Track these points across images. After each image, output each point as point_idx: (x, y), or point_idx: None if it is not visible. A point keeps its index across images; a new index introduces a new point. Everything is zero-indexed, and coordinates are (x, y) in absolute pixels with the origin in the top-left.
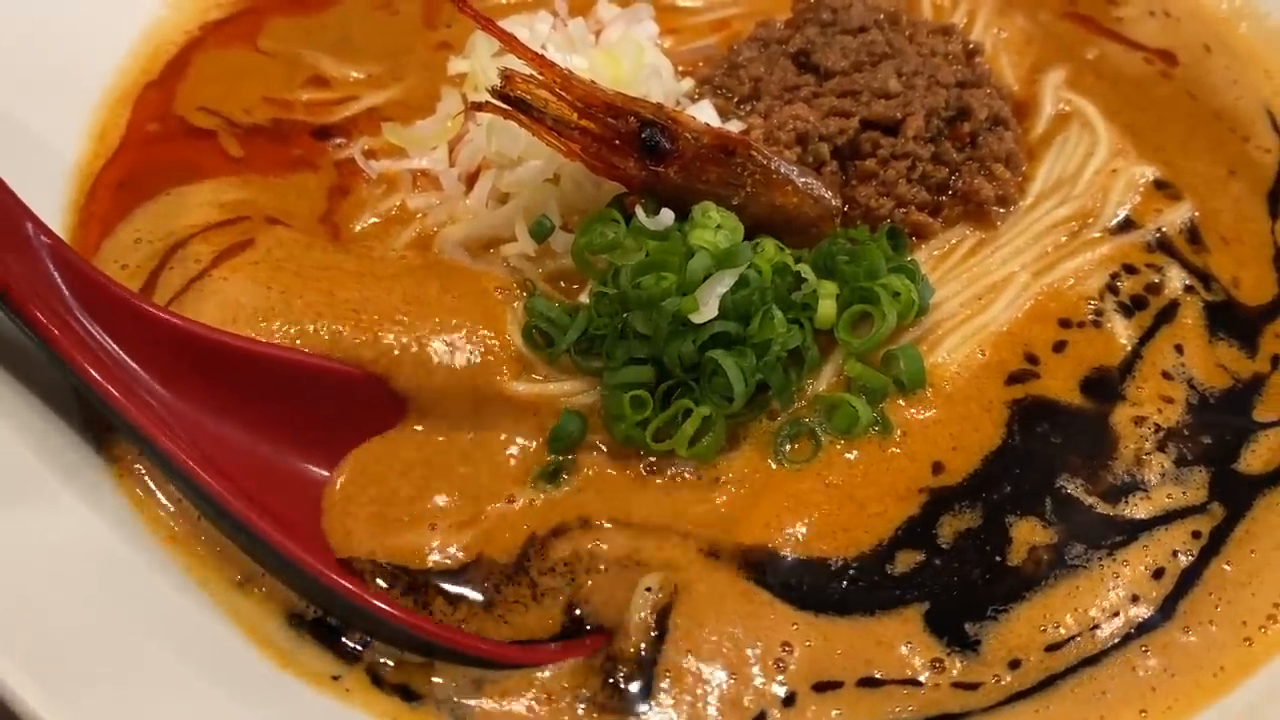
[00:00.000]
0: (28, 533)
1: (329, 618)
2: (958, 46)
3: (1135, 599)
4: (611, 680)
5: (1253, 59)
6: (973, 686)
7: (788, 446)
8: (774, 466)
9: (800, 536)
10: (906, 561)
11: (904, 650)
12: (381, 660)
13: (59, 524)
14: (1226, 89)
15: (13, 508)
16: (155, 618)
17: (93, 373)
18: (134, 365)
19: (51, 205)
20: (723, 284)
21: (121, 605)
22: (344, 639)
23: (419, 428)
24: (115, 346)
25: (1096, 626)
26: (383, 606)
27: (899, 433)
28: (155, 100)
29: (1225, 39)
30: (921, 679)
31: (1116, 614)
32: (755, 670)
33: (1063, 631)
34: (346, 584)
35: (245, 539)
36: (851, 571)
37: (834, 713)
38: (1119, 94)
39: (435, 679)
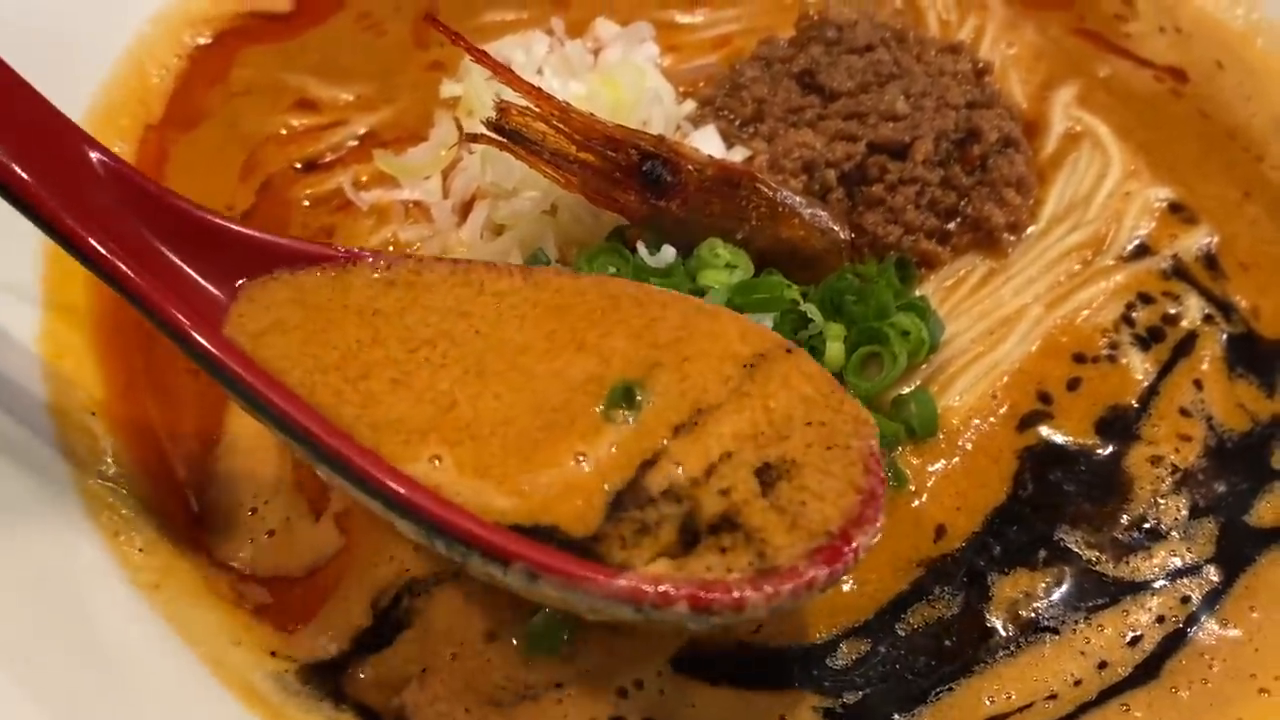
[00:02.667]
0: (3, 585)
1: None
2: (967, 65)
3: (1103, 665)
4: None
5: (1269, 74)
6: None
7: None
8: None
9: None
10: (848, 653)
11: None
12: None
13: (35, 575)
14: (1239, 106)
15: None
16: (137, 673)
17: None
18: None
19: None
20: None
21: (102, 660)
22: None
23: None
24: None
25: (1053, 696)
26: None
27: (911, 487)
28: None
29: (1239, 54)
30: None
31: (1079, 682)
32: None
33: (1014, 700)
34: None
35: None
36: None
37: None
38: (1131, 112)
39: None
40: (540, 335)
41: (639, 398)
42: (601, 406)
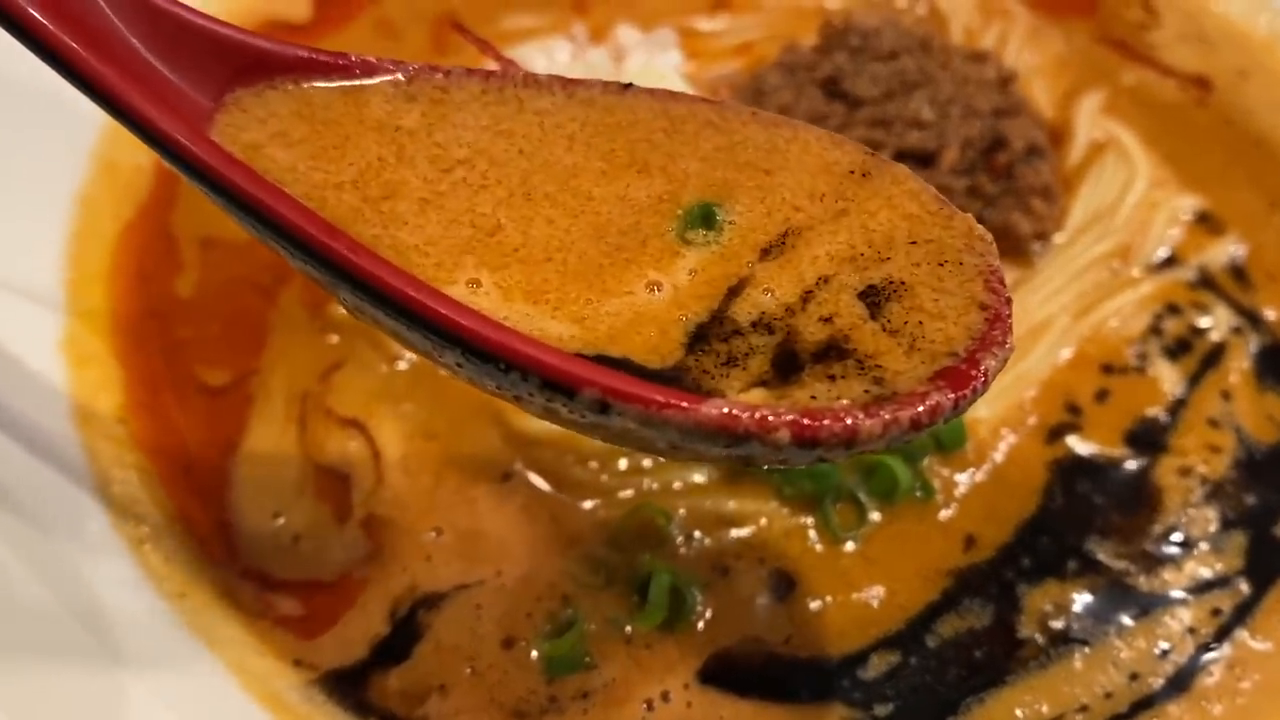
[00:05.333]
0: (27, 588)
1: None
2: (992, 73)
3: (1134, 677)
4: None
5: None
6: None
7: (833, 514)
8: (818, 540)
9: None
10: (879, 665)
11: None
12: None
13: (60, 584)
14: (1264, 115)
15: (10, 562)
16: (163, 682)
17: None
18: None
19: None
20: None
21: (126, 666)
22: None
23: None
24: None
25: (1084, 708)
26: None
27: (940, 498)
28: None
29: (1264, 62)
30: None
31: (1110, 694)
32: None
33: (1045, 712)
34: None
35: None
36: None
37: None
38: (1156, 121)
39: None
40: (595, 156)
41: (719, 218)
42: (675, 228)
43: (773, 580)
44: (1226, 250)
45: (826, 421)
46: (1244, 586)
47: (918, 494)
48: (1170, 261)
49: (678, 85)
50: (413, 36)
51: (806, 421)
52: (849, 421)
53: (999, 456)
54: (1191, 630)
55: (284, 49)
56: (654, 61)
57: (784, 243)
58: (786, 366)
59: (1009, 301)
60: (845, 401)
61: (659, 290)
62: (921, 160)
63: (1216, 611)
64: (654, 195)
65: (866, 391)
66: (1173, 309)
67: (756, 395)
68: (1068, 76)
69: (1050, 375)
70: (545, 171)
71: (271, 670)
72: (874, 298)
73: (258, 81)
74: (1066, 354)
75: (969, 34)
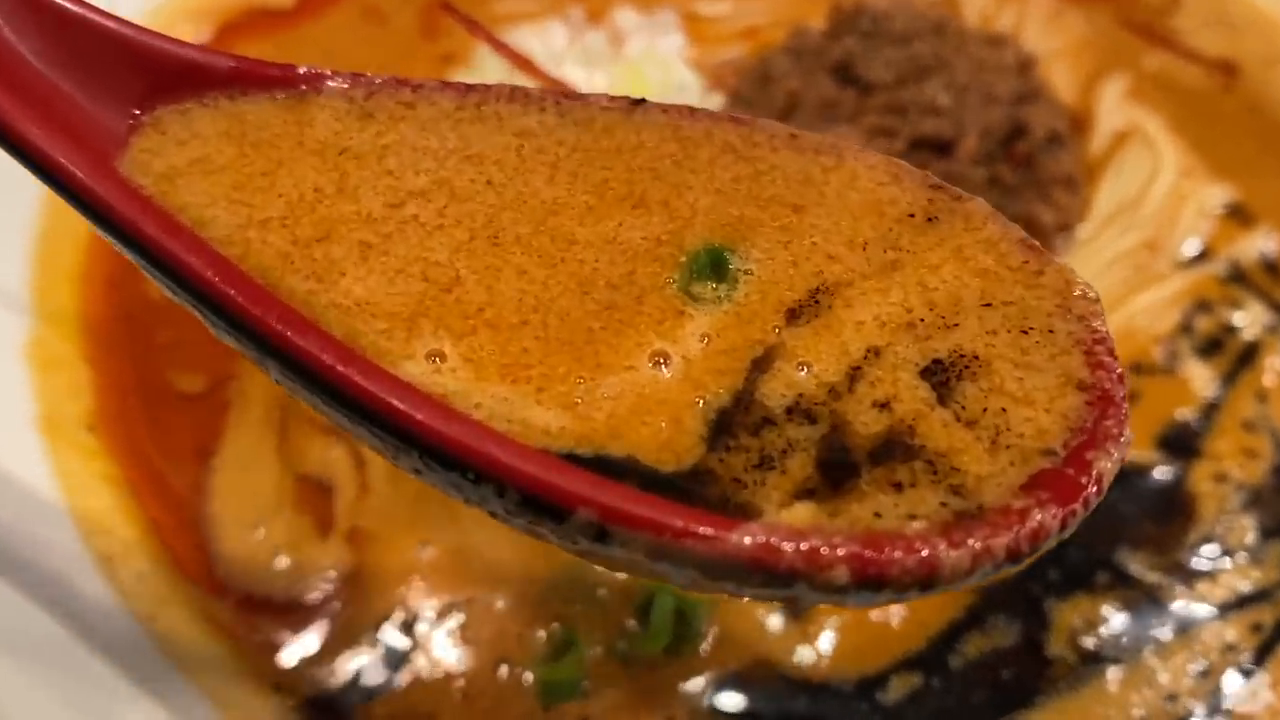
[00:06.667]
0: None
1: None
2: (1011, 57)
3: (1171, 698)
4: None
5: None
6: None
7: None
8: None
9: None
10: (899, 687)
11: None
12: None
13: (25, 603)
14: None
15: None
16: (132, 707)
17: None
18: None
19: None
20: None
21: (95, 692)
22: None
23: None
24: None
25: None
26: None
27: None
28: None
29: None
30: None
31: (1145, 717)
32: None
33: None
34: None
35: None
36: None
37: None
38: (1182, 108)
39: None
40: (582, 188)
41: (732, 266)
42: (677, 280)
43: None
44: (1258, 243)
45: (898, 553)
46: None
47: None
48: (1200, 255)
49: (680, 70)
50: (400, 20)
51: (869, 554)
52: (925, 553)
53: None
54: (1231, 647)
55: (215, 59)
56: (655, 45)
57: (817, 302)
58: (837, 469)
59: (1121, 379)
60: (919, 524)
61: (666, 364)
62: (938, 149)
63: (1257, 627)
64: (651, 237)
65: (944, 505)
66: (1203, 306)
67: (802, 512)
68: (1089, 61)
69: None
70: (518, 208)
71: (249, 696)
72: (940, 376)
73: (184, 97)
74: None
75: (984, 18)
